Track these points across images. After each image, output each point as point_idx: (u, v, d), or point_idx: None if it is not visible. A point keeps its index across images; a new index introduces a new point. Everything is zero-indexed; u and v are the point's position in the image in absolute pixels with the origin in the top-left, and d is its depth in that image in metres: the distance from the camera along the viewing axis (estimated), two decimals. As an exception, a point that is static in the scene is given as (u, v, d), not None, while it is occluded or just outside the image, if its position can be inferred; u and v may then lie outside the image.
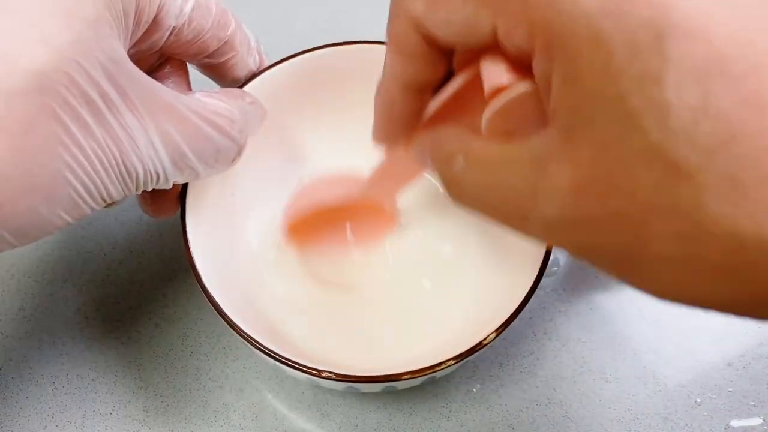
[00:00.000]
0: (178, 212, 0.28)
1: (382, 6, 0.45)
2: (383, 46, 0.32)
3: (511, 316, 0.26)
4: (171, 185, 0.26)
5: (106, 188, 0.23)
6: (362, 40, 0.32)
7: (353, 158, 0.35)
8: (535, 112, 0.19)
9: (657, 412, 0.32)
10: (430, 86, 0.23)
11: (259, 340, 0.26)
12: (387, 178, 0.30)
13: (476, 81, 0.21)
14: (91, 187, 0.22)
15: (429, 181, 0.34)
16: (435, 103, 0.23)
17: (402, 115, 0.23)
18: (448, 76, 0.22)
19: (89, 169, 0.22)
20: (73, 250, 0.36)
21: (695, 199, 0.14)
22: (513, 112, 0.19)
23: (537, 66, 0.17)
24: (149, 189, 0.25)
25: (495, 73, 0.19)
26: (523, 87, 0.19)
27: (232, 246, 0.32)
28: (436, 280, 0.34)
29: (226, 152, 0.26)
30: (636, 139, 0.15)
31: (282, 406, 0.32)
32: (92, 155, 0.22)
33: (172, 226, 0.36)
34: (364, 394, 0.33)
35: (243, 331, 0.26)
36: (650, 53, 0.15)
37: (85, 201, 0.23)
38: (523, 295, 0.27)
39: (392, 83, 0.22)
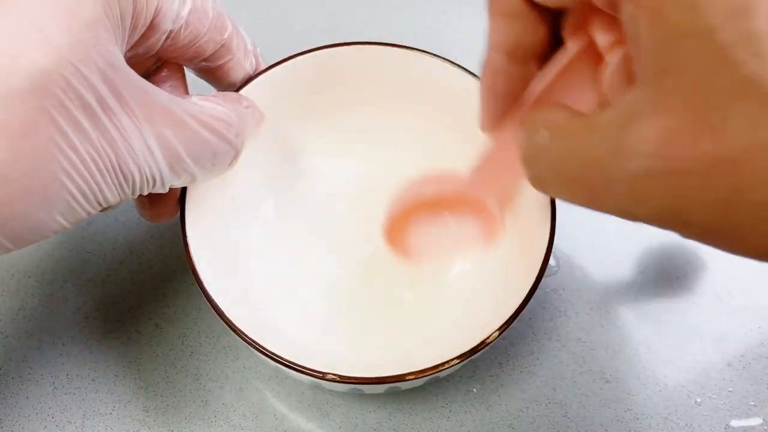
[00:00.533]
0: (178, 213, 0.28)
1: (380, 6, 0.45)
2: (382, 47, 0.32)
3: (513, 314, 0.26)
4: (167, 189, 0.26)
5: (102, 192, 0.23)
6: (361, 40, 0.32)
7: (353, 158, 0.35)
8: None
9: (657, 412, 0.32)
10: (534, 53, 0.22)
11: (260, 343, 0.26)
12: (493, 171, 0.27)
13: (581, 58, 0.20)
14: (87, 190, 0.22)
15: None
16: (540, 83, 0.22)
17: (507, 88, 0.22)
18: (553, 47, 0.22)
19: (85, 172, 0.22)
20: (73, 250, 0.36)
21: None
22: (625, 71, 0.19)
23: (625, 11, 0.17)
24: (146, 193, 0.25)
25: (605, 32, 0.19)
26: None
27: (232, 248, 0.32)
28: (437, 281, 0.34)
29: (223, 156, 0.26)
30: (729, 74, 0.14)
31: (282, 406, 0.32)
32: (88, 159, 0.22)
33: (172, 227, 0.36)
34: (364, 394, 0.33)
35: (244, 334, 0.26)
36: None
37: (81, 205, 0.23)
38: (524, 295, 0.27)
39: (496, 52, 0.22)
